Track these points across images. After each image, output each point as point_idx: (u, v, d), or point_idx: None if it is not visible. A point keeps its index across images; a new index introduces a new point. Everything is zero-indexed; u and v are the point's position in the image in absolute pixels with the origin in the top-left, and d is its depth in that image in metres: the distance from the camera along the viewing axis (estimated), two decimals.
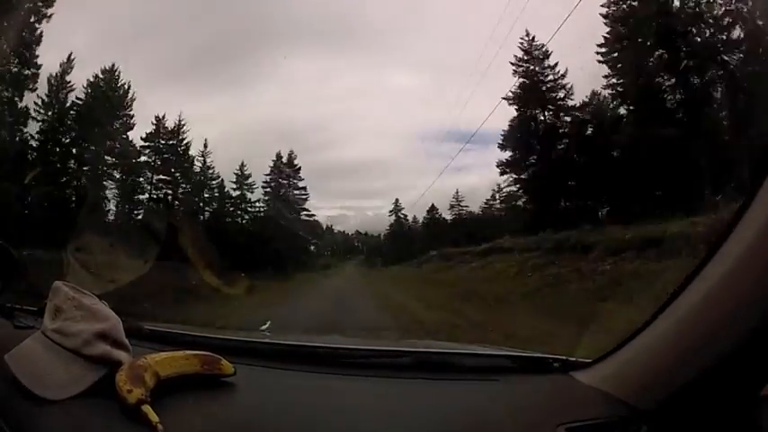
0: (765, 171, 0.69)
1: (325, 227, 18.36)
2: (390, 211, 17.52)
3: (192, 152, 14.98)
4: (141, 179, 14.27)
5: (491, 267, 11.96)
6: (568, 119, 13.08)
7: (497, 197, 15.02)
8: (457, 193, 16.10)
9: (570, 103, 13.08)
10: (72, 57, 12.44)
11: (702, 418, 0.77)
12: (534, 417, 0.91)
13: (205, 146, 15.44)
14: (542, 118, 13.31)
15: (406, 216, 17.61)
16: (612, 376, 0.93)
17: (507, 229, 13.04)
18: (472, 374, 1.13)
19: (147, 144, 14.26)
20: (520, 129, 13.36)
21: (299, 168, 16.37)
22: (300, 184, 16.45)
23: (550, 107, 13.22)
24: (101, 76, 13.15)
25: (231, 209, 15.89)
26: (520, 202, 14.10)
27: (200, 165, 15.29)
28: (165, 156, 14.72)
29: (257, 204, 15.97)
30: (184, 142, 14.92)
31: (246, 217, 16.02)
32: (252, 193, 15.87)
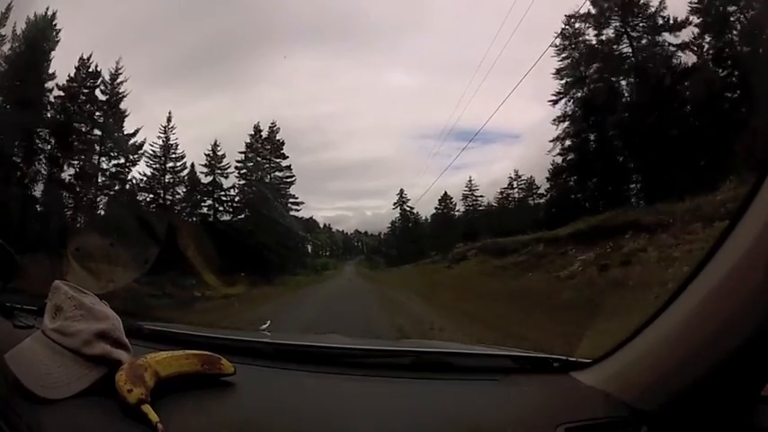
0: (766, 170, 0.69)
1: (322, 225, 16.37)
2: (395, 204, 15.20)
3: (124, 106, 11.41)
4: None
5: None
6: (665, 45, 8.91)
7: (515, 185, 13.16)
8: (470, 181, 14.08)
9: (661, 22, 9.02)
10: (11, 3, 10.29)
11: (703, 419, 0.77)
12: (534, 417, 0.91)
13: (168, 120, 12.26)
14: (628, 43, 9.02)
15: (412, 209, 15.26)
16: (613, 376, 0.92)
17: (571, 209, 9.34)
18: (472, 374, 1.13)
19: (61, 94, 10.87)
20: (595, 59, 9.38)
21: (283, 144, 13.09)
22: (284, 164, 13.17)
23: (637, 27, 9.04)
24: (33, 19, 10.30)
25: (199, 197, 12.66)
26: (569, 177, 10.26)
27: (162, 142, 12.14)
28: (88, 108, 11.16)
29: (231, 192, 12.94)
30: (118, 94, 11.38)
31: (220, 207, 12.87)
32: (226, 178, 12.87)
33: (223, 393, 0.95)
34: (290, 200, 13.51)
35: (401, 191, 15.15)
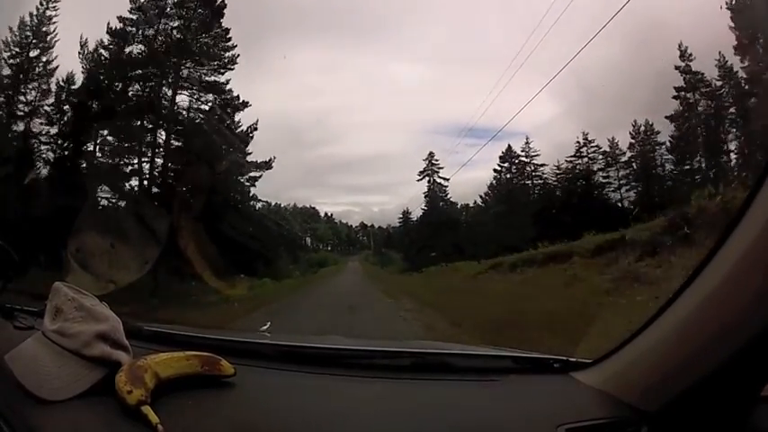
0: (766, 171, 0.69)
1: (323, 215, 13.29)
2: (421, 173, 11.16)
3: None
4: None
5: None
6: None
7: (585, 152, 10.16)
8: (527, 143, 10.57)
9: None
10: None
11: (703, 419, 0.77)
12: (534, 417, 0.91)
13: None
14: None
15: (446, 180, 11.14)
16: (613, 377, 0.93)
17: None
18: (472, 375, 1.13)
19: None
20: None
21: (223, 10, 6.75)
22: (226, 51, 6.59)
23: None
24: None
25: (83, 121, 6.38)
26: None
27: (31, 22, 6.58)
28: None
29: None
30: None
31: (108, 140, 6.47)
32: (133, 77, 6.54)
33: (223, 394, 0.95)
34: (238, 128, 6.49)
35: (431, 154, 10.87)
